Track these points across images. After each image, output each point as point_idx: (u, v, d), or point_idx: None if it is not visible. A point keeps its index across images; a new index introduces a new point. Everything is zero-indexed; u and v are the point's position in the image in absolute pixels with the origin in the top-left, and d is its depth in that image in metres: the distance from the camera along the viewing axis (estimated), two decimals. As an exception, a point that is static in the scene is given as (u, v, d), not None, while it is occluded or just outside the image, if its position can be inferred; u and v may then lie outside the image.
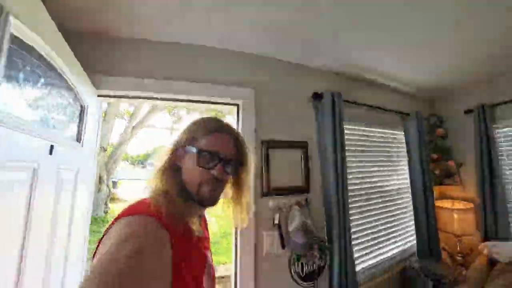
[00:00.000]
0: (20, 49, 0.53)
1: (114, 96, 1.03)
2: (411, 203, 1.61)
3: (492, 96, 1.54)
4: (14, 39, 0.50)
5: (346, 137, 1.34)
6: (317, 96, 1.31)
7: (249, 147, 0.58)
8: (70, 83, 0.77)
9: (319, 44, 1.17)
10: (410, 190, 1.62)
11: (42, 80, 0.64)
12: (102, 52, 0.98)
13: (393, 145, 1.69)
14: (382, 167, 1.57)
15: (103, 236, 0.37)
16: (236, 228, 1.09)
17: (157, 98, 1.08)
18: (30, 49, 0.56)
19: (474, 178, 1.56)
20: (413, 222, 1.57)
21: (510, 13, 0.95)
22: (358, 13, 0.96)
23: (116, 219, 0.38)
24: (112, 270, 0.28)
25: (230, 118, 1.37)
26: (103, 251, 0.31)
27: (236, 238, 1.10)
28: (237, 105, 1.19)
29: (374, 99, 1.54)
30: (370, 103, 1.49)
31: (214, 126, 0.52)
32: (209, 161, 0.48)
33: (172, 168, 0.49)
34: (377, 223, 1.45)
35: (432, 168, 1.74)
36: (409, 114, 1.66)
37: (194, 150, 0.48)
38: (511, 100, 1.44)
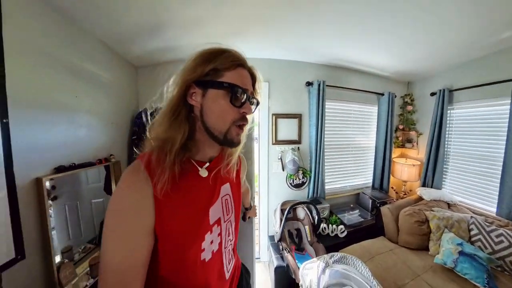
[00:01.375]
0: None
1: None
2: (373, 155, 2.41)
3: (453, 83, 2.03)
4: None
5: (328, 110, 2.13)
6: (309, 83, 2.06)
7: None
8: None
9: (309, 46, 1.76)
10: (374, 147, 2.39)
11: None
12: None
13: (367, 116, 2.42)
14: (355, 130, 2.37)
15: None
16: (259, 162, 2.11)
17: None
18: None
19: (426, 144, 2.19)
20: (372, 167, 2.41)
21: (473, 19, 1.29)
22: (343, 21, 1.34)
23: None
24: (105, 215, 0.40)
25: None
26: None
27: (259, 165, 2.12)
28: None
29: (355, 82, 2.22)
30: (350, 86, 2.18)
31: (238, 59, 0.47)
32: (238, 100, 0.45)
33: (181, 109, 0.45)
34: (347, 165, 2.37)
35: (398, 134, 2.48)
36: (383, 94, 2.29)
37: (225, 85, 0.43)
38: (466, 87, 1.90)
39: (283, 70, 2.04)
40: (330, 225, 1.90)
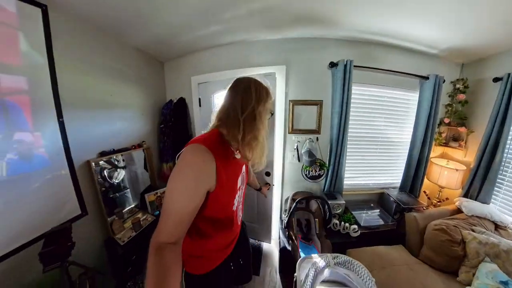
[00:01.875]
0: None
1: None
2: (407, 152, 2.08)
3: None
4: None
5: (355, 96, 1.90)
6: (332, 64, 1.82)
7: None
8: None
9: (334, 18, 1.48)
10: (409, 142, 2.05)
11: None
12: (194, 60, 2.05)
13: (403, 104, 2.06)
14: (387, 121, 2.07)
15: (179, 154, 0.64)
16: (274, 149, 2.13)
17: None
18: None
19: (479, 145, 1.74)
20: (404, 166, 2.10)
21: None
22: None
23: (186, 145, 0.66)
24: (175, 176, 0.61)
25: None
26: (175, 166, 0.62)
27: (274, 154, 2.15)
28: (275, 72, 1.89)
29: (391, 62, 1.86)
30: (385, 66, 1.84)
31: (273, 97, 0.81)
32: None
33: (250, 117, 0.71)
34: (372, 160, 2.17)
35: (441, 130, 2.05)
36: (428, 78, 1.86)
37: (271, 110, 0.80)
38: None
39: (303, 50, 1.83)
40: (342, 222, 1.85)
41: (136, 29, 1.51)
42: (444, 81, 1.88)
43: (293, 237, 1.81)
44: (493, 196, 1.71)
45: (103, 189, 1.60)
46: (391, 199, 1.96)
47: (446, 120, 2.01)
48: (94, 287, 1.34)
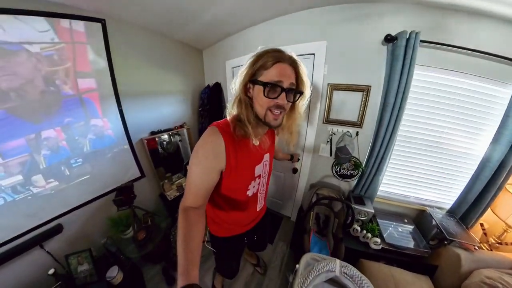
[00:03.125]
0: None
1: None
2: (473, 170, 1.48)
3: None
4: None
5: (416, 84, 1.45)
6: (389, 39, 1.37)
7: (306, 73, 0.69)
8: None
9: None
10: (482, 158, 1.42)
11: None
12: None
13: (485, 102, 1.39)
14: (455, 123, 1.50)
15: None
16: (305, 138, 2.03)
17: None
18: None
19: None
20: (463, 186, 1.53)
21: None
22: None
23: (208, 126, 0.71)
24: (192, 154, 0.68)
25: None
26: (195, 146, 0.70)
27: (304, 143, 2.07)
28: (313, 54, 1.68)
29: (474, 38, 1.25)
30: (463, 43, 1.26)
31: (275, 57, 0.62)
32: (274, 92, 0.62)
33: (244, 98, 0.68)
34: (420, 170, 1.72)
35: None
36: None
37: (260, 83, 0.62)
38: None
39: (349, 20, 1.49)
40: (364, 231, 1.68)
41: (180, 26, 1.70)
42: None
43: (307, 230, 1.84)
44: None
45: (161, 156, 2.10)
46: (433, 222, 1.55)
47: None
48: (154, 223, 1.97)
